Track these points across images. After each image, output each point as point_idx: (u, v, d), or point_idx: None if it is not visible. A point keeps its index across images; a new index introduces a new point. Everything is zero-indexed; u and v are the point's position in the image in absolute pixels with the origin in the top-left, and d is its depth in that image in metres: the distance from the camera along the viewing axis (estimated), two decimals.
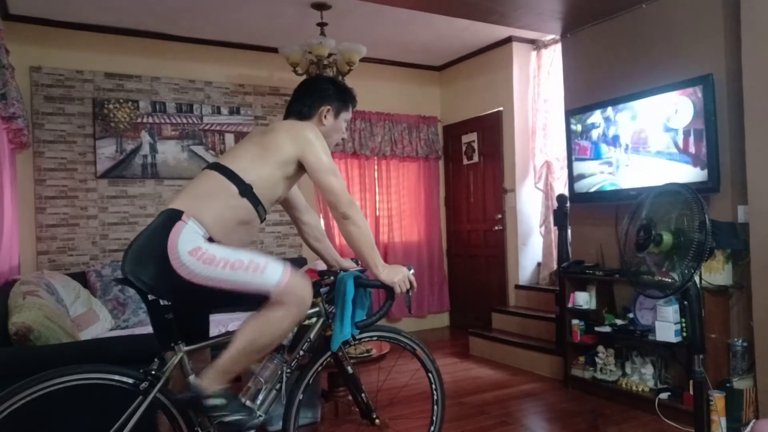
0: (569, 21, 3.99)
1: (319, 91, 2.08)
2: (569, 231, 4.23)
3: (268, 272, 1.76)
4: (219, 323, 3.47)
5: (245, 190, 1.85)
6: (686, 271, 2.23)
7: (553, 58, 4.92)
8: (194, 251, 1.71)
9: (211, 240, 1.78)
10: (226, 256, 1.74)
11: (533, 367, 4.27)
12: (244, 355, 1.80)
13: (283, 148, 1.90)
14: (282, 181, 1.95)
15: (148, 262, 1.73)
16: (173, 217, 1.76)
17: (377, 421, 2.19)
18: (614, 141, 3.65)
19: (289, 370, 1.99)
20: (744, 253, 2.98)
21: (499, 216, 5.38)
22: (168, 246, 1.70)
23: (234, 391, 1.87)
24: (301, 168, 1.94)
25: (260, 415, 1.86)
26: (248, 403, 1.88)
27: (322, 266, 2.36)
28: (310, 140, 1.90)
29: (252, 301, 1.81)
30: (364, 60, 4.73)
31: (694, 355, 2.35)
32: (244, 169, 1.87)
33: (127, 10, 4.24)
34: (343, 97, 2.12)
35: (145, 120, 4.64)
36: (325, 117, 2.06)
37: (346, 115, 2.13)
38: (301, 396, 2.05)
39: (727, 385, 2.94)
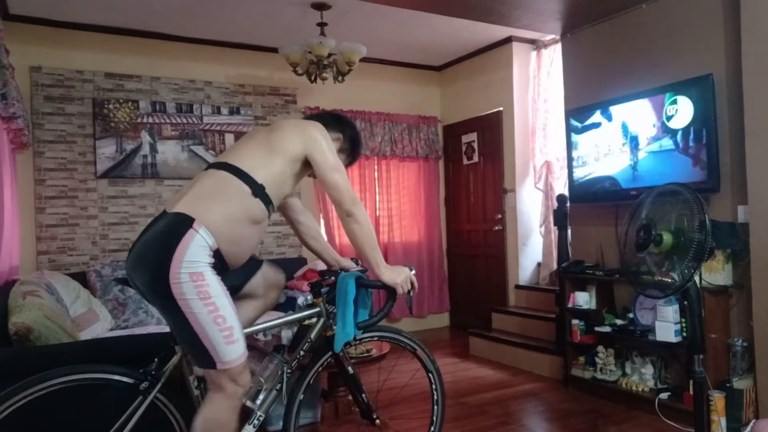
0: (569, 21, 3.99)
1: (342, 124, 2.14)
2: (569, 231, 4.23)
3: (232, 347, 1.71)
4: None
5: (258, 190, 1.82)
6: (686, 271, 2.23)
7: (553, 58, 4.92)
8: (196, 276, 1.66)
9: (217, 254, 1.73)
10: (217, 303, 1.69)
11: (533, 367, 4.27)
12: None
13: (291, 144, 1.89)
14: (290, 178, 1.93)
15: (147, 264, 1.69)
16: (183, 223, 1.69)
17: (377, 421, 2.19)
18: (614, 141, 3.65)
19: (289, 370, 1.99)
20: (744, 253, 2.98)
21: (499, 216, 5.38)
22: (174, 256, 1.64)
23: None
24: (306, 165, 1.93)
25: None
26: (248, 403, 1.88)
27: (322, 266, 2.36)
28: (317, 138, 1.90)
29: (197, 355, 1.73)
30: (364, 60, 4.73)
31: (694, 355, 2.35)
32: (255, 168, 1.84)
33: (127, 10, 4.24)
34: (354, 145, 2.17)
35: (145, 120, 4.64)
36: (333, 141, 2.04)
37: (343, 157, 2.11)
38: (301, 396, 2.05)
39: (727, 385, 2.94)
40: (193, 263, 1.66)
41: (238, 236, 1.80)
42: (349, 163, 2.16)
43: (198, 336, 1.68)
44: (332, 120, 2.13)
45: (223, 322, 1.69)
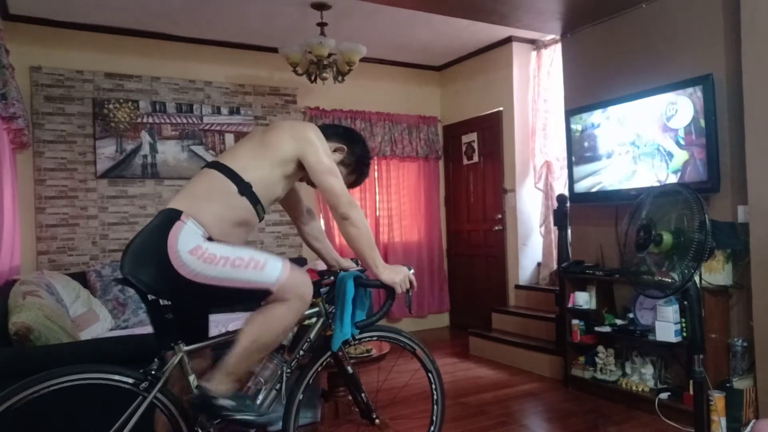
0: (569, 21, 3.99)
1: (351, 139, 2.09)
2: (569, 231, 4.23)
3: (268, 269, 1.77)
4: (218, 323, 3.46)
5: (244, 189, 1.84)
6: (686, 271, 2.23)
7: (553, 58, 4.92)
8: (195, 250, 1.71)
9: (210, 239, 1.77)
10: (226, 254, 1.74)
11: (533, 367, 4.27)
12: (249, 354, 1.81)
13: (283, 146, 1.89)
14: (281, 180, 1.94)
15: (148, 262, 1.73)
16: (172, 217, 1.75)
17: (377, 421, 2.19)
18: (614, 141, 3.65)
19: (289, 370, 1.99)
20: (744, 253, 2.98)
21: (499, 216, 5.38)
22: (168, 246, 1.70)
23: (242, 391, 1.88)
24: (300, 168, 1.92)
25: (276, 416, 1.87)
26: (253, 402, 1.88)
27: (322, 266, 2.36)
28: (311, 140, 1.90)
29: (252, 298, 1.81)
30: (364, 60, 4.73)
31: (694, 355, 2.35)
32: (244, 168, 1.86)
33: (127, 10, 4.24)
34: (360, 163, 2.11)
35: (145, 120, 4.64)
36: (334, 151, 2.04)
37: (343, 171, 2.06)
38: (301, 396, 2.05)
39: (727, 385, 2.94)
40: (187, 243, 1.71)
41: (226, 234, 1.83)
42: (352, 183, 2.13)
43: (235, 287, 1.73)
44: (342, 131, 2.10)
45: (241, 261, 1.74)
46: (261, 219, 1.95)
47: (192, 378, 1.85)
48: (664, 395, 3.23)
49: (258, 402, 1.89)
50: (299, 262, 4.97)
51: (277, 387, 1.96)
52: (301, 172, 1.95)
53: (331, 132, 2.05)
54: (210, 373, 1.82)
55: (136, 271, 1.74)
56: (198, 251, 1.71)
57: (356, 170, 2.13)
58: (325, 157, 1.90)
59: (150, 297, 1.79)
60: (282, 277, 1.77)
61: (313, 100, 5.37)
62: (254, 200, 1.86)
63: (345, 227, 1.90)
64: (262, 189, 1.88)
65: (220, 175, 1.85)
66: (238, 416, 1.77)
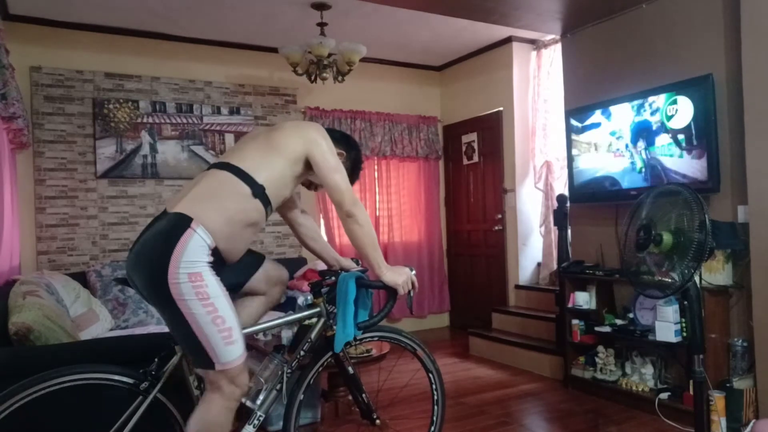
0: (569, 21, 3.99)
1: (349, 143, 2.14)
2: (569, 231, 4.23)
3: (231, 348, 1.71)
4: None
5: (258, 191, 1.82)
6: (686, 271, 2.23)
7: (553, 58, 4.92)
8: (194, 276, 1.66)
9: (215, 253, 1.74)
10: (216, 304, 1.68)
11: (533, 367, 4.27)
12: None
13: (292, 145, 1.89)
14: (291, 181, 1.93)
15: (146, 264, 1.70)
16: (182, 223, 1.70)
17: (377, 421, 2.18)
18: (614, 141, 3.65)
19: (289, 371, 1.99)
20: (744, 253, 2.98)
21: (499, 216, 5.38)
22: (172, 256, 1.65)
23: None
24: (306, 168, 1.93)
25: None
26: (248, 403, 1.88)
27: (322, 266, 2.36)
28: (317, 139, 1.90)
29: (195, 355, 1.73)
30: (364, 60, 4.73)
31: (694, 355, 2.35)
32: (256, 169, 1.83)
33: (127, 10, 4.24)
34: (355, 167, 2.15)
35: (145, 120, 4.64)
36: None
37: None
38: (301, 396, 2.05)
39: (727, 385, 2.94)
40: (191, 263, 1.66)
41: (234, 236, 1.80)
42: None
43: (197, 336, 1.68)
44: (340, 136, 2.12)
45: (222, 323, 1.69)
46: (267, 219, 1.94)
47: (192, 378, 1.85)
48: (664, 395, 3.23)
49: (256, 403, 1.89)
50: (299, 262, 4.97)
51: (278, 387, 1.96)
52: (307, 172, 1.95)
53: (333, 136, 2.06)
54: None
55: (134, 271, 1.73)
56: (197, 280, 1.66)
57: (351, 174, 2.14)
58: (330, 156, 1.90)
59: None
60: (232, 363, 1.72)
61: (313, 100, 5.37)
62: (266, 202, 1.85)
63: (349, 225, 1.90)
64: (274, 190, 1.87)
65: (232, 176, 1.82)
66: None
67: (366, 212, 1.92)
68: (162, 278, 1.64)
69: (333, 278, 2.10)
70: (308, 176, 1.99)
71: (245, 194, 1.80)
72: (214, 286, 1.70)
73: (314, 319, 2.08)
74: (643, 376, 3.44)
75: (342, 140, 2.11)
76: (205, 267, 1.69)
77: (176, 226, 1.70)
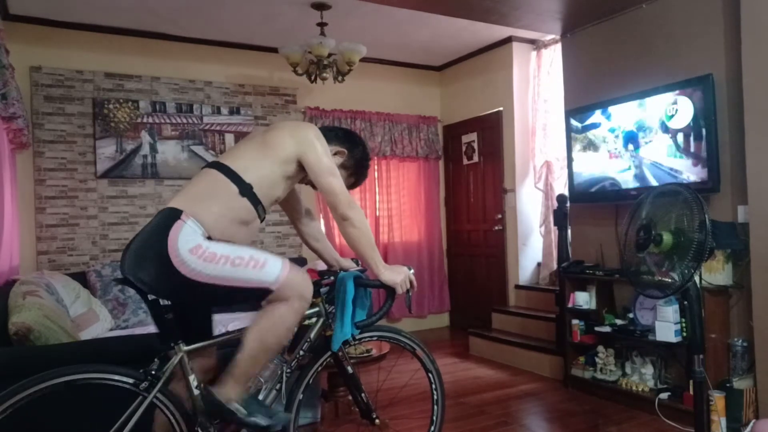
0: (569, 21, 3.99)
1: (352, 141, 2.10)
2: (569, 231, 4.23)
3: (268, 268, 1.77)
4: (219, 323, 3.46)
5: (245, 190, 1.84)
6: (686, 271, 2.23)
7: (553, 58, 4.92)
8: (195, 249, 1.71)
9: (210, 238, 1.77)
10: (226, 253, 1.74)
11: (533, 367, 4.27)
12: (256, 358, 1.81)
13: (283, 146, 1.90)
14: (282, 181, 1.94)
15: (148, 261, 1.73)
16: (172, 216, 1.75)
17: (377, 421, 2.19)
18: (614, 141, 3.65)
19: (289, 370, 1.99)
20: (744, 253, 2.98)
21: (499, 216, 5.38)
22: (168, 245, 1.70)
23: (254, 395, 1.88)
24: (301, 168, 1.93)
25: (285, 416, 1.89)
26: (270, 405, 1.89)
27: (322, 266, 2.36)
28: (311, 140, 1.90)
29: (253, 297, 1.81)
30: (364, 60, 4.73)
31: (694, 355, 2.35)
32: (245, 168, 1.86)
33: (127, 10, 4.24)
34: (359, 166, 2.12)
35: (145, 120, 4.64)
36: (334, 154, 2.04)
37: (343, 173, 2.06)
38: (301, 396, 2.05)
39: (727, 385, 2.94)
40: (187, 242, 1.71)
41: (228, 235, 1.83)
42: (351, 185, 2.13)
43: (234, 286, 1.73)
44: (343, 134, 2.11)
45: (241, 260, 1.74)
46: (262, 219, 1.95)
47: (192, 378, 1.85)
48: (664, 395, 3.23)
49: (267, 405, 1.90)
50: (299, 262, 4.97)
51: (277, 387, 1.96)
52: (302, 173, 1.96)
53: (332, 135, 2.05)
54: (220, 379, 1.82)
55: (137, 270, 1.74)
56: (198, 250, 1.71)
57: (356, 173, 2.14)
58: (324, 158, 1.90)
59: (150, 297, 1.79)
60: (282, 276, 1.77)
61: (313, 100, 5.37)
62: (255, 201, 1.87)
63: (345, 227, 1.91)
64: (263, 190, 1.89)
65: (221, 175, 1.85)
66: (250, 420, 1.77)
67: (362, 213, 1.92)
68: (169, 265, 1.69)
69: (332, 278, 2.11)
70: (304, 176, 1.99)
71: (233, 192, 1.84)
72: (215, 245, 1.75)
73: (313, 319, 2.09)
74: (643, 376, 3.44)
75: (345, 138, 2.10)
76: (201, 238, 1.74)
77: (167, 218, 1.76)
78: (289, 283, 1.79)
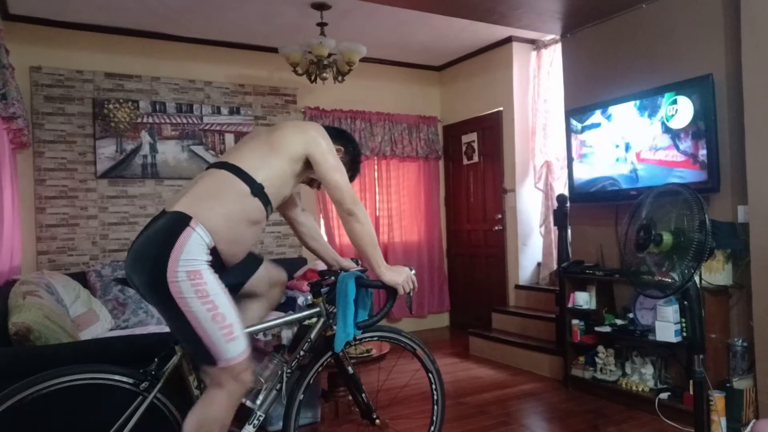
0: (569, 21, 3.99)
1: (346, 139, 2.16)
2: (569, 231, 4.23)
3: (233, 344, 1.71)
4: None
5: (257, 190, 1.82)
6: (686, 271, 2.23)
7: (553, 58, 4.92)
8: (193, 274, 1.66)
9: (214, 252, 1.74)
10: (216, 301, 1.68)
11: (533, 367, 4.27)
12: None
13: (292, 144, 1.89)
14: (291, 179, 1.93)
15: (145, 265, 1.69)
16: (181, 222, 1.69)
17: (377, 421, 2.19)
18: (614, 141, 3.65)
19: (289, 370, 1.99)
20: (744, 253, 2.98)
21: (499, 216, 5.38)
22: (171, 255, 1.64)
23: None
24: (306, 167, 1.93)
25: None
26: (248, 403, 1.88)
27: (322, 266, 2.36)
28: (317, 138, 1.91)
29: (199, 354, 1.73)
30: (364, 60, 4.73)
31: (694, 355, 2.35)
32: (255, 168, 1.84)
33: (127, 10, 4.24)
34: (354, 162, 2.17)
35: (145, 120, 4.64)
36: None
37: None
38: (301, 396, 2.05)
39: (727, 385, 2.94)
40: (190, 261, 1.66)
41: (235, 236, 1.80)
42: (348, 180, 2.16)
43: (197, 334, 1.68)
44: (336, 133, 2.12)
45: (222, 320, 1.69)
46: (267, 218, 1.95)
47: (192, 378, 1.85)
48: (664, 395, 3.23)
49: (256, 403, 1.89)
50: (299, 262, 4.97)
51: (278, 387, 1.96)
52: (306, 171, 1.96)
53: (330, 134, 2.06)
54: None
55: (133, 271, 1.73)
56: (196, 278, 1.66)
57: (352, 168, 2.16)
58: (330, 155, 1.91)
59: None
60: (235, 360, 1.72)
61: (313, 100, 5.37)
62: (265, 201, 1.85)
63: (350, 223, 1.91)
64: (274, 189, 1.87)
65: (231, 175, 1.82)
66: None
67: (366, 211, 1.93)
68: (161, 277, 1.64)
69: (332, 278, 2.11)
70: (308, 175, 2.00)
71: (244, 193, 1.81)
72: (213, 283, 1.70)
73: (314, 319, 2.09)
74: (643, 376, 3.44)
75: (339, 136, 2.12)
76: (203, 265, 1.69)
77: (175, 224, 1.70)
78: (235, 369, 1.73)
